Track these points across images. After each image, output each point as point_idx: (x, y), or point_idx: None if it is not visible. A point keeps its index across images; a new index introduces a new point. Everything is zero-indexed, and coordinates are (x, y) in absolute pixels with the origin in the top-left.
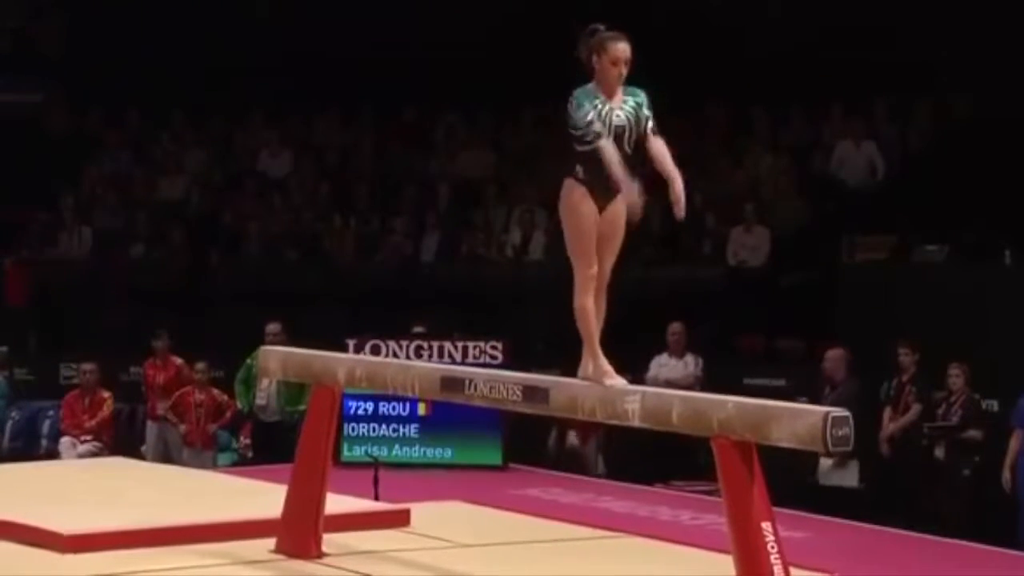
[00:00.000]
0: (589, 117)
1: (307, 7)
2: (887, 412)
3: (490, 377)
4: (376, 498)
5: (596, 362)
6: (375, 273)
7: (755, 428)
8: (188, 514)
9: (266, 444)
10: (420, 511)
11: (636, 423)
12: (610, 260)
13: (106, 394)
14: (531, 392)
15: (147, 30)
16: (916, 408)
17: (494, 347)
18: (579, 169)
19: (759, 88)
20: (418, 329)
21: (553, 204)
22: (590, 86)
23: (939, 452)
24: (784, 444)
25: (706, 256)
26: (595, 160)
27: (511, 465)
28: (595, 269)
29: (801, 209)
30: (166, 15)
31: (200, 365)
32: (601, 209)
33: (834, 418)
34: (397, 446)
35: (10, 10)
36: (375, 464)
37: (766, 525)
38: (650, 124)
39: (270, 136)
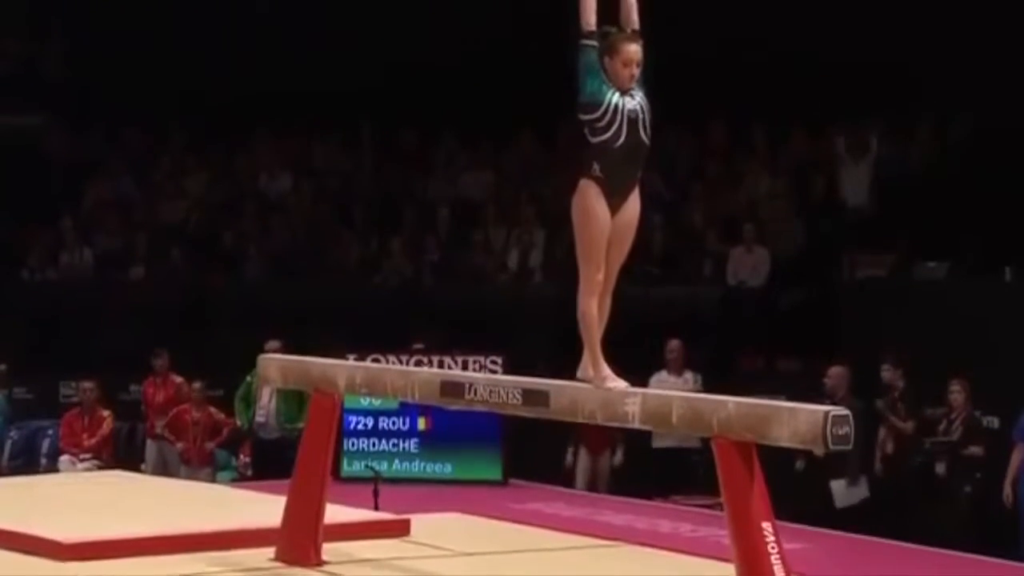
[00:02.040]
0: (600, 87)
1: (306, 31)
2: (881, 430)
3: (490, 381)
4: (376, 510)
5: (597, 367)
6: (375, 294)
7: (755, 427)
8: (188, 523)
9: (266, 462)
10: (420, 521)
11: (636, 424)
12: (618, 264)
13: (105, 412)
14: (531, 395)
15: (147, 53)
16: (910, 424)
17: (494, 361)
18: (595, 166)
19: (759, 106)
20: (418, 346)
21: (552, 223)
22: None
23: (940, 468)
24: (784, 443)
25: (706, 276)
26: (610, 153)
27: (511, 481)
28: (602, 274)
29: (800, 228)
30: (166, 38)
31: (196, 384)
32: (614, 210)
33: (834, 417)
34: (397, 461)
35: (11, 33)
36: (375, 477)
37: (766, 525)
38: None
39: (270, 158)
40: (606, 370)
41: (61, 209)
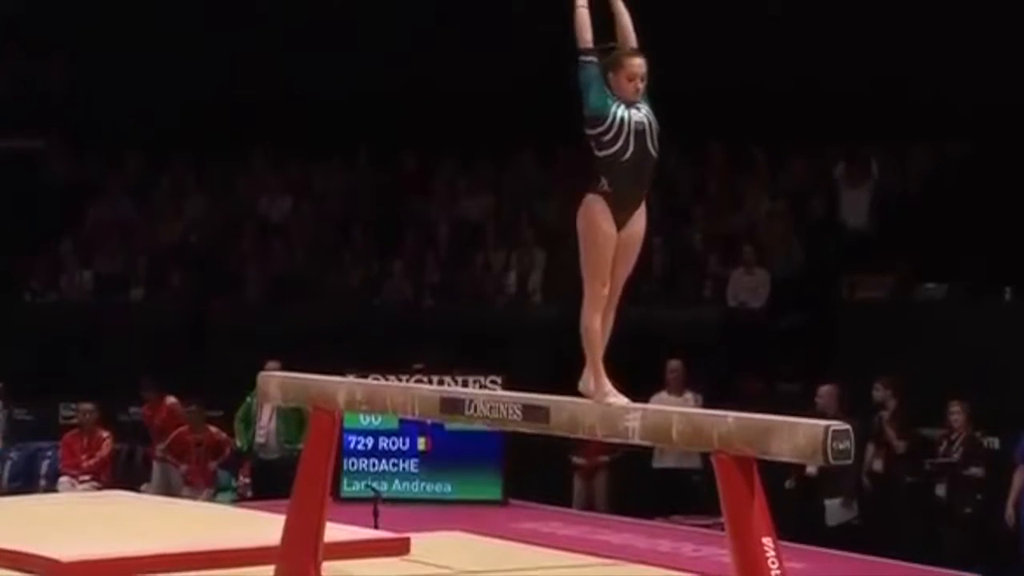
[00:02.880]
0: (604, 100)
1: (307, 52)
2: (869, 448)
3: (490, 397)
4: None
5: (598, 382)
6: (375, 315)
7: (755, 442)
8: (187, 541)
9: (265, 483)
10: (420, 540)
11: (636, 440)
12: (623, 279)
13: (105, 434)
14: (531, 411)
15: (148, 75)
16: (901, 444)
17: (493, 381)
18: (603, 181)
19: (759, 129)
20: (418, 367)
21: (551, 244)
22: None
23: (940, 489)
24: (785, 458)
25: (706, 297)
26: (618, 167)
27: (511, 501)
28: (607, 289)
29: (800, 250)
30: (167, 60)
31: (192, 407)
32: (621, 225)
33: (834, 431)
34: (397, 481)
35: (13, 56)
36: (375, 497)
37: (767, 540)
38: None
39: (270, 180)
40: (607, 385)
41: (61, 231)
